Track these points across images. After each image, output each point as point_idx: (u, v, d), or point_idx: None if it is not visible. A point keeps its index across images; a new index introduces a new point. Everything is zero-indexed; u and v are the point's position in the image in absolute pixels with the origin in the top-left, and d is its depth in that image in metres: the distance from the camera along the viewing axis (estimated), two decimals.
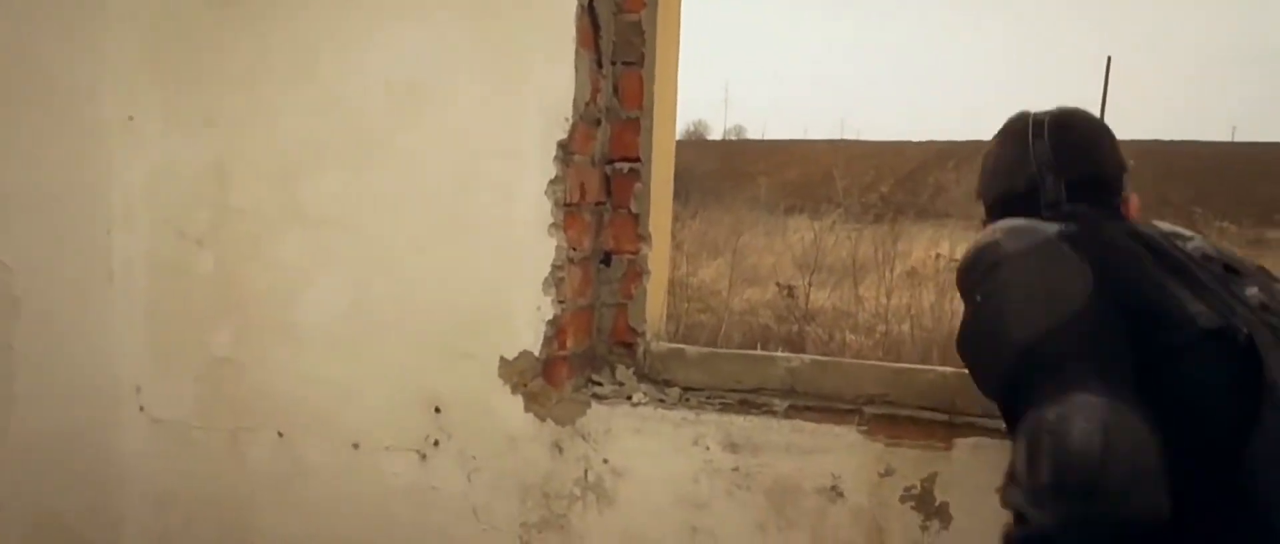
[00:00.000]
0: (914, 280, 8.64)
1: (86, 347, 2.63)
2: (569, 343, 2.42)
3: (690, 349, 2.50)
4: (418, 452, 2.50)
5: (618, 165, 2.51)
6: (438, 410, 2.48)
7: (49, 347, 2.50)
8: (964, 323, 1.61)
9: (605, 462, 2.39)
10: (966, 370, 1.88)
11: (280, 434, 2.60)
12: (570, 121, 2.32)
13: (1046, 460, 1.33)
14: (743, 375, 2.40)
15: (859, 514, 2.24)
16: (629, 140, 2.49)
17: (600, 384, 2.48)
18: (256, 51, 2.51)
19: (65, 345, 2.56)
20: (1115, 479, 1.29)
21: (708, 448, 2.32)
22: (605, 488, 2.39)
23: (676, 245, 8.53)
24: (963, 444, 2.20)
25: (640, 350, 2.51)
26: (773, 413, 2.32)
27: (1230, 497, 1.35)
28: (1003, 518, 2.03)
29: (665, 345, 2.51)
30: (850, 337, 7.94)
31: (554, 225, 2.35)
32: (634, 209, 2.50)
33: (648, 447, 2.36)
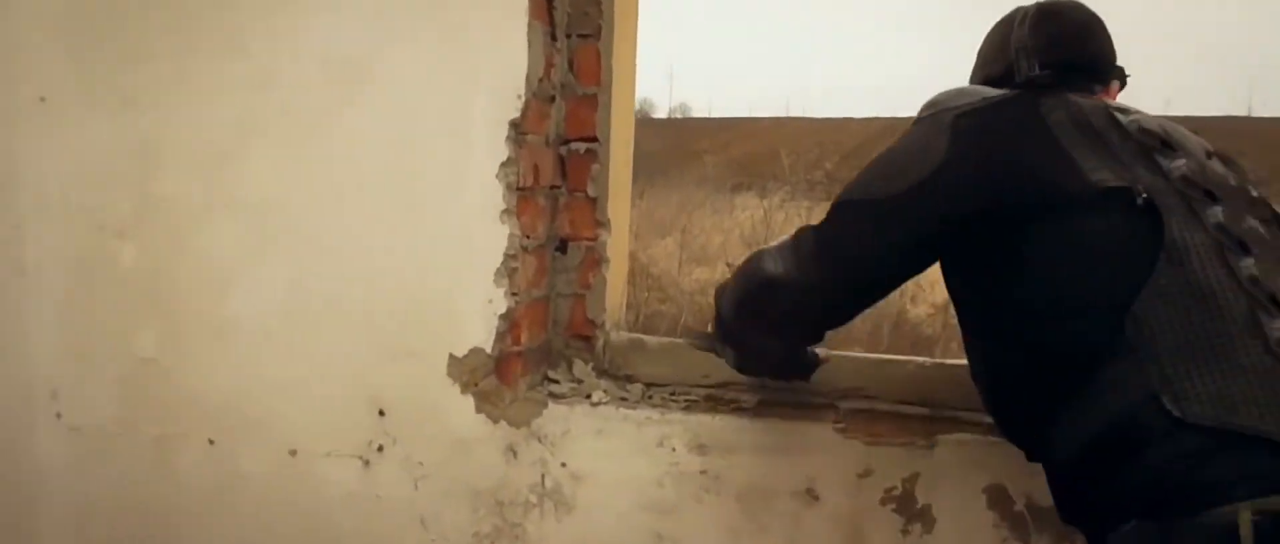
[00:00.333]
0: None
1: None
2: (523, 338, 2.26)
3: (653, 341, 2.34)
4: (360, 458, 2.33)
5: (573, 146, 2.35)
6: (382, 413, 2.32)
7: None
8: None
9: (564, 466, 2.24)
10: (943, 361, 2.11)
11: (211, 441, 2.42)
12: (522, 99, 2.17)
13: (740, 276, 1.78)
14: (710, 369, 2.25)
15: (837, 518, 2.11)
16: (585, 119, 2.34)
17: (557, 382, 2.32)
18: (182, 24, 2.32)
19: None
20: (768, 311, 1.72)
21: (674, 449, 2.17)
22: (564, 494, 2.24)
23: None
24: (946, 441, 2.07)
25: (599, 344, 2.35)
26: (743, 410, 2.18)
27: (1121, 345, 1.37)
28: (989, 519, 1.93)
29: (626, 337, 2.36)
30: None
31: (506, 211, 2.20)
32: (591, 192, 2.35)
33: (609, 449, 2.21)
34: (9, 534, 2.48)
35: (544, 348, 2.37)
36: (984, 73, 1.86)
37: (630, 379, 2.32)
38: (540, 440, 2.24)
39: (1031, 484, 1.98)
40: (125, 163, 2.38)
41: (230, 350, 2.38)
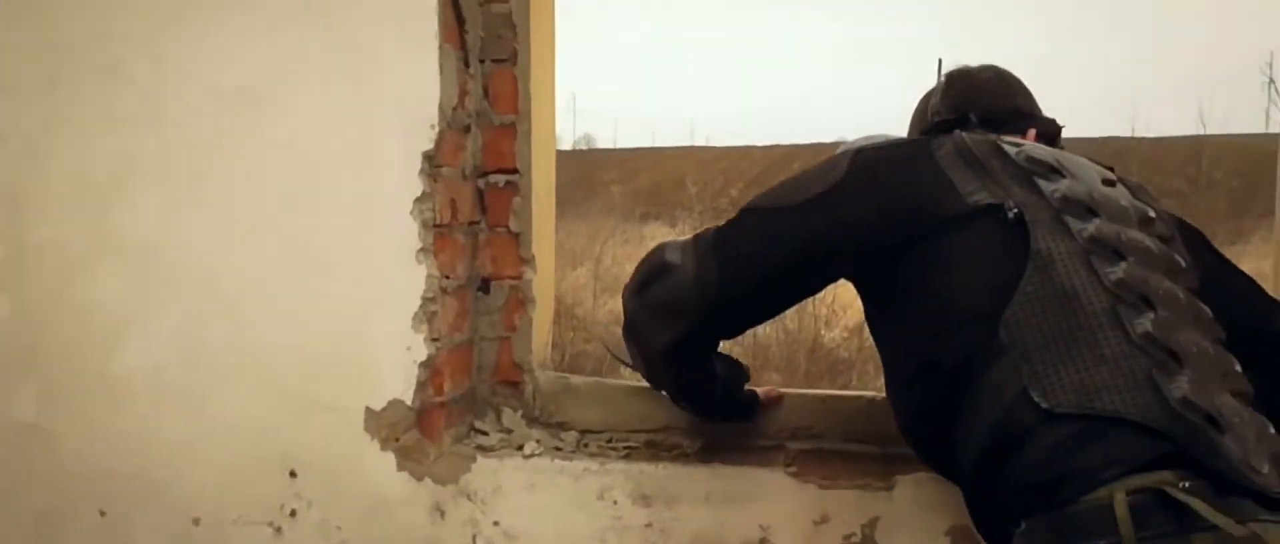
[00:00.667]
0: None
1: None
2: (446, 386, 2.10)
3: (586, 383, 2.19)
4: (271, 524, 2.14)
5: (492, 178, 2.20)
6: (293, 474, 2.13)
7: None
8: None
9: (496, 524, 2.07)
10: None
11: (102, 513, 2.20)
12: (436, 129, 2.04)
13: (642, 264, 1.83)
14: (649, 413, 2.10)
15: None
16: (504, 149, 2.20)
17: (485, 433, 2.16)
18: (55, 51, 2.14)
19: None
20: (659, 296, 1.75)
21: (615, 502, 2.02)
22: None
23: None
24: (904, 482, 1.96)
25: (528, 389, 2.19)
26: (687, 456, 2.04)
27: (992, 352, 1.44)
28: None
29: (557, 381, 2.20)
30: None
31: (422, 250, 2.05)
32: (514, 228, 2.20)
33: (545, 504, 2.05)
34: None
35: (469, 396, 2.21)
36: (913, 133, 2.01)
37: (563, 426, 2.16)
38: (469, 498, 2.07)
39: None
40: None
41: (121, 411, 2.19)
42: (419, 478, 2.09)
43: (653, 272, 1.78)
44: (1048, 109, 1.94)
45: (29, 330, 2.21)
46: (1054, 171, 1.61)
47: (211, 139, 2.09)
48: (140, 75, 2.10)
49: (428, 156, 2.03)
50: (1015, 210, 1.52)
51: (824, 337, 8.32)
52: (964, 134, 1.69)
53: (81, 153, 2.14)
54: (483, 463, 2.07)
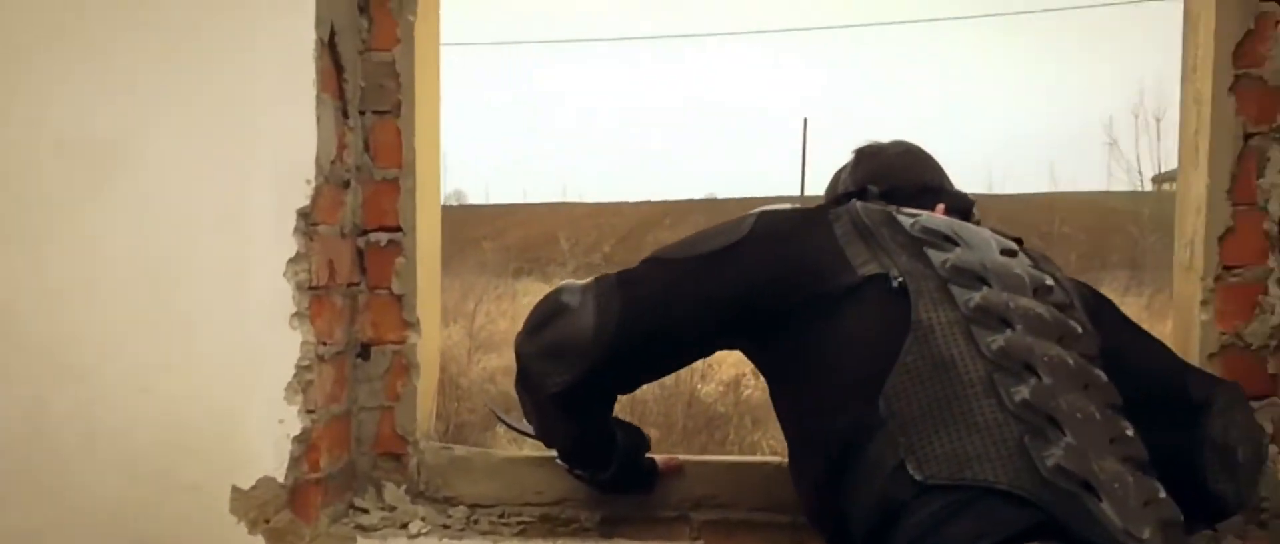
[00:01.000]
0: None
1: None
2: (322, 461, 1.94)
3: (475, 454, 2.06)
4: None
5: (373, 236, 2.07)
6: None
7: None
8: None
9: None
10: None
11: None
12: (313, 184, 1.91)
13: (538, 305, 1.77)
14: (543, 485, 1.98)
15: None
16: (386, 205, 2.07)
17: (366, 511, 2.00)
18: None
19: None
20: (554, 337, 1.69)
21: None
22: None
23: None
24: None
25: (413, 462, 2.05)
26: (585, 531, 1.94)
27: (872, 425, 1.42)
28: None
29: (444, 453, 2.06)
30: None
31: (297, 314, 1.90)
32: (396, 289, 2.07)
33: None
34: None
35: (347, 471, 2.05)
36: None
37: (452, 501, 2.02)
38: None
39: None
40: None
41: None
42: None
43: (548, 313, 1.73)
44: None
45: None
46: (947, 241, 1.59)
47: (58, 196, 1.92)
48: None
49: (303, 214, 1.89)
50: (899, 279, 1.51)
51: (700, 391, 8.29)
52: (860, 204, 1.69)
53: None
54: None
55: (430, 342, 2.14)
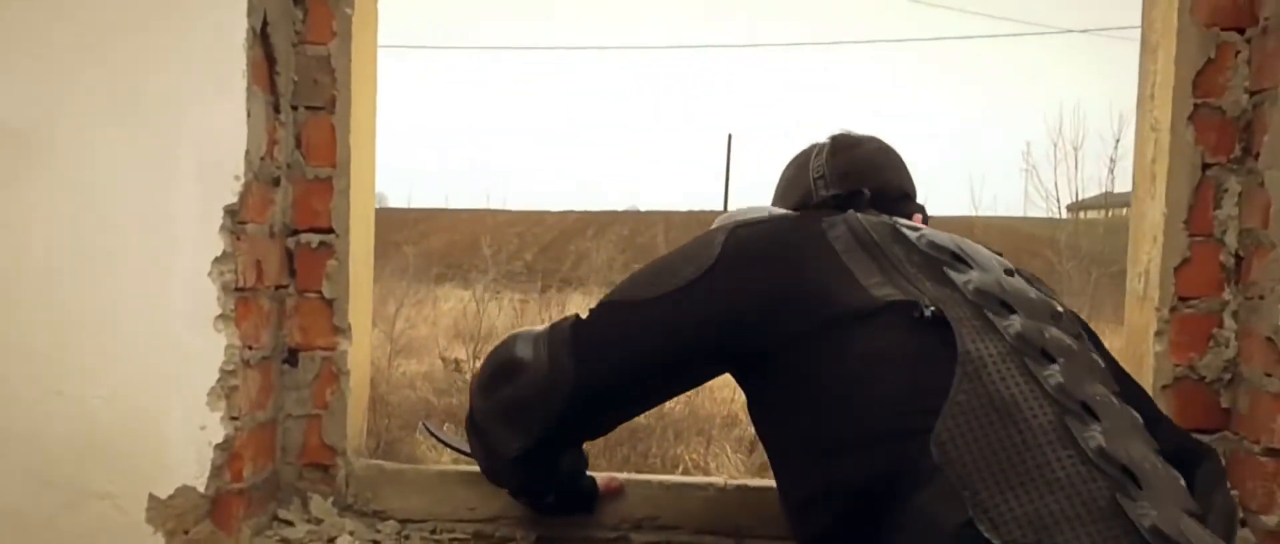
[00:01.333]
0: None
1: None
2: (246, 471, 1.85)
3: (406, 469, 1.98)
4: None
5: (304, 237, 1.98)
6: None
7: None
8: None
9: None
10: (747, 483, 1.95)
11: None
12: (241, 181, 1.81)
13: (490, 358, 1.68)
14: (476, 501, 1.90)
15: None
16: (318, 205, 1.98)
17: (291, 523, 1.91)
18: None
19: None
20: (510, 397, 1.59)
21: None
22: None
23: None
24: None
25: (341, 474, 1.96)
26: None
27: (922, 473, 1.27)
28: None
29: (374, 465, 1.97)
30: None
31: (221, 316, 1.80)
32: (327, 293, 1.98)
33: None
34: None
35: (271, 482, 1.96)
36: (781, 204, 1.79)
37: (381, 516, 1.94)
38: None
39: None
40: None
41: None
42: None
43: (501, 368, 1.62)
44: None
45: None
46: (959, 260, 1.47)
47: None
48: None
49: (230, 211, 1.80)
50: (932, 308, 1.36)
51: None
52: (858, 215, 1.53)
53: None
54: None
55: (361, 349, 2.06)
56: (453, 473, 1.96)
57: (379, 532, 1.89)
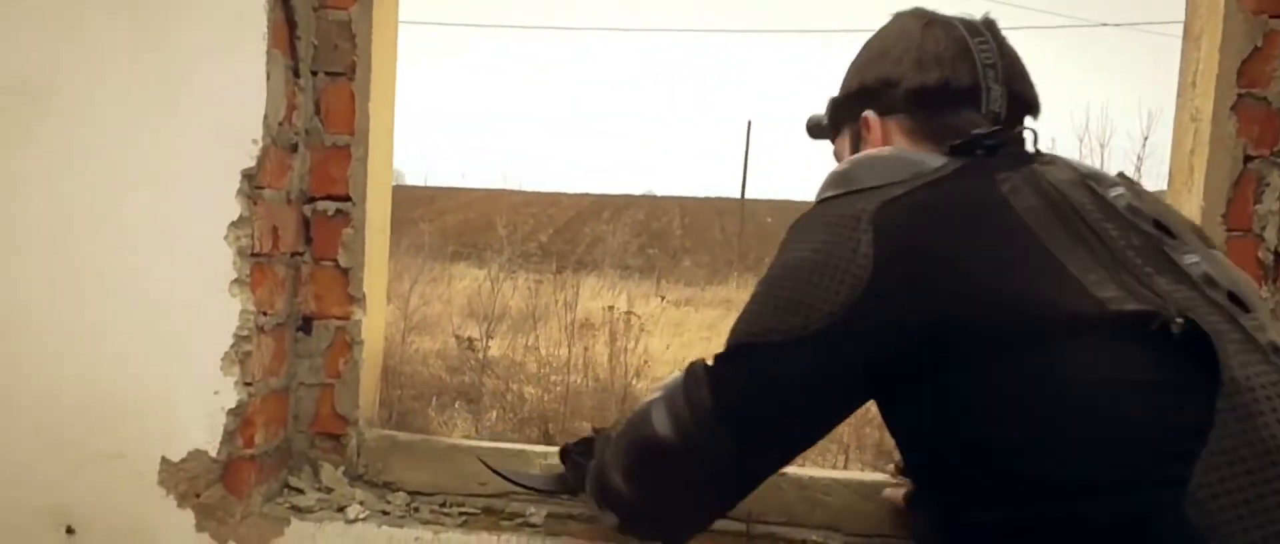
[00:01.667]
0: (587, 331, 8.47)
1: None
2: (258, 437, 1.84)
3: (417, 440, 1.96)
4: None
5: (320, 204, 1.96)
6: (70, 531, 1.84)
7: None
8: None
9: None
10: None
11: None
12: (259, 145, 1.79)
13: (625, 436, 1.36)
14: (487, 475, 1.88)
15: None
16: (335, 173, 1.96)
17: (301, 491, 1.90)
18: None
19: None
20: (665, 490, 1.32)
21: None
22: None
23: None
24: None
25: (352, 444, 1.95)
26: (532, 526, 1.83)
27: (1170, 533, 1.02)
28: None
29: (386, 436, 1.96)
30: (527, 389, 7.63)
31: (237, 282, 1.79)
32: (343, 262, 1.96)
33: None
34: None
35: (283, 449, 1.95)
36: (936, 75, 1.33)
37: (391, 487, 1.93)
38: None
39: None
40: None
41: None
42: (222, 540, 1.82)
43: (644, 452, 1.33)
44: None
45: None
46: (1164, 231, 1.19)
47: None
48: None
49: (247, 175, 1.78)
50: (1180, 321, 1.08)
51: (634, 387, 8.22)
52: (1039, 168, 1.22)
53: None
54: (298, 526, 1.82)
55: (376, 319, 2.04)
56: (464, 447, 1.95)
57: (388, 502, 1.88)
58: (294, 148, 1.91)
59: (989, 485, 1.13)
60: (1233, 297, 1.14)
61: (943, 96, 1.33)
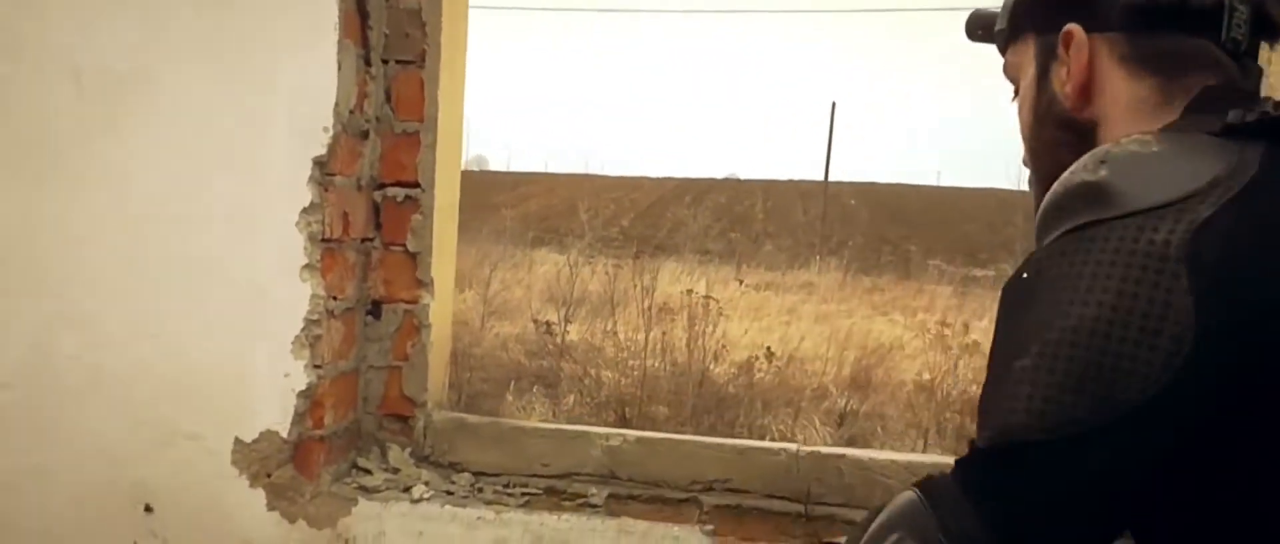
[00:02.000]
0: (666, 315, 8.49)
1: None
2: (327, 419, 1.89)
3: (483, 422, 2.00)
4: None
5: (390, 191, 2.01)
6: (149, 509, 1.92)
7: None
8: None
9: None
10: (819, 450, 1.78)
11: None
12: (330, 132, 1.84)
13: None
14: (551, 456, 1.92)
15: None
16: (405, 160, 2.01)
17: (369, 471, 1.95)
18: None
19: None
20: None
21: None
22: None
23: None
24: None
25: (419, 426, 2.00)
26: (591, 507, 1.87)
27: None
28: None
29: (452, 418, 2.01)
30: (605, 373, 7.69)
31: (308, 266, 1.85)
32: (411, 247, 2.00)
33: None
34: None
35: (352, 430, 2.00)
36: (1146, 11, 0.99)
37: (456, 468, 1.97)
38: None
39: None
40: None
41: None
42: (292, 519, 1.88)
43: None
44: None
45: None
46: None
47: (71, 128, 1.87)
48: None
49: (319, 162, 1.83)
50: None
51: (712, 371, 8.24)
52: None
53: None
54: (365, 506, 1.87)
55: (444, 303, 2.08)
56: (530, 428, 2.00)
57: (454, 483, 1.93)
58: (365, 135, 1.96)
59: None
60: None
61: (1176, 13, 0.99)
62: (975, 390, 3.74)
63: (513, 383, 7.53)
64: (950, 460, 1.52)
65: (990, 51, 1.14)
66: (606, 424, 6.23)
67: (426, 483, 1.90)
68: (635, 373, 7.54)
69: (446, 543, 1.83)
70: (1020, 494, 0.87)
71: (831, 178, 28.87)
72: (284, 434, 1.86)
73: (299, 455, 1.87)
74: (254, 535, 1.87)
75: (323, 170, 1.84)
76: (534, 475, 1.94)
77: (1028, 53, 1.08)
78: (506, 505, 1.85)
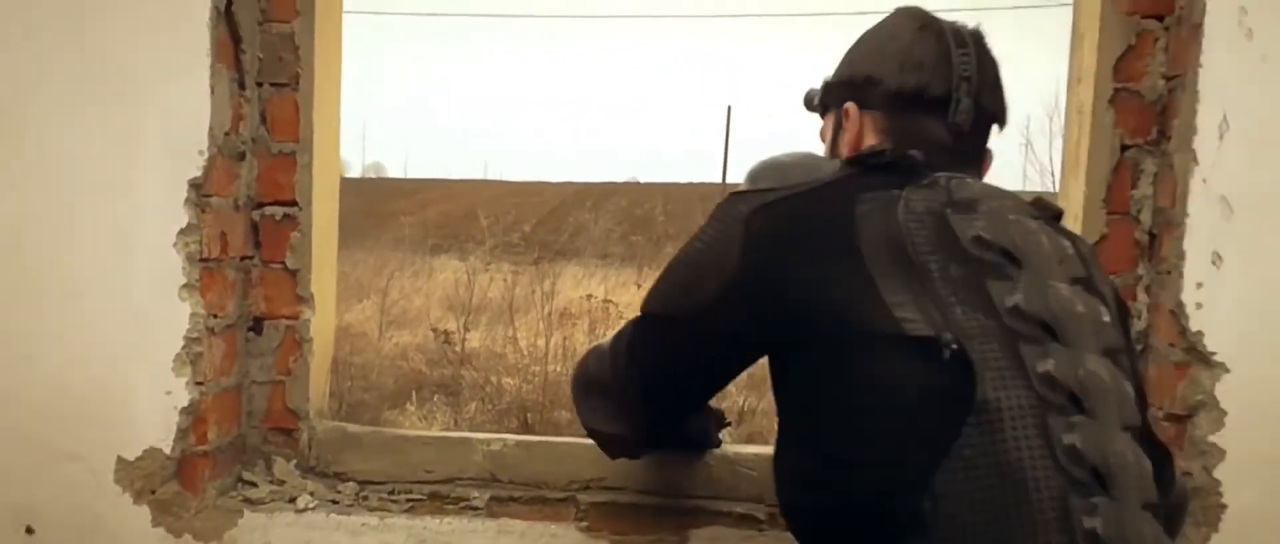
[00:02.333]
0: (567, 320, 8.53)
1: None
2: (211, 434, 1.93)
3: (366, 432, 2.05)
4: None
5: (268, 210, 2.05)
6: (30, 531, 1.92)
7: None
8: None
9: None
10: None
11: None
12: (206, 155, 1.87)
13: (576, 377, 1.70)
14: (434, 463, 1.98)
15: None
16: (282, 179, 2.05)
17: (254, 484, 1.99)
18: None
19: None
20: (588, 403, 1.65)
21: None
22: None
23: None
24: (699, 536, 1.91)
25: (303, 437, 2.04)
26: (474, 509, 1.94)
27: (912, 522, 1.21)
28: None
29: (336, 428, 2.05)
30: (506, 380, 7.71)
31: (187, 286, 1.88)
32: (290, 264, 2.04)
33: None
34: None
35: (237, 445, 2.04)
36: (914, 80, 1.44)
37: (341, 477, 2.02)
38: None
39: None
40: None
41: None
42: (178, 534, 1.90)
43: (585, 384, 1.68)
44: None
45: None
46: (1009, 259, 1.30)
47: None
48: None
49: (195, 184, 1.86)
50: (953, 346, 1.23)
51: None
52: (906, 200, 1.33)
53: None
54: (250, 517, 1.91)
55: (325, 318, 2.13)
56: (413, 437, 2.05)
57: (339, 492, 1.98)
58: (241, 156, 1.99)
59: (800, 448, 1.37)
60: (1044, 326, 1.27)
61: (915, 102, 1.44)
62: None
63: (414, 393, 7.52)
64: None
65: None
66: (509, 431, 6.27)
67: (311, 493, 1.95)
68: (537, 379, 7.58)
69: None
70: (643, 340, 1.51)
71: (729, 179, 29.15)
72: (167, 451, 1.88)
73: (183, 471, 1.90)
74: None
75: (199, 192, 1.86)
76: (418, 482, 2.00)
77: (830, 121, 1.57)
78: (391, 511, 1.91)
